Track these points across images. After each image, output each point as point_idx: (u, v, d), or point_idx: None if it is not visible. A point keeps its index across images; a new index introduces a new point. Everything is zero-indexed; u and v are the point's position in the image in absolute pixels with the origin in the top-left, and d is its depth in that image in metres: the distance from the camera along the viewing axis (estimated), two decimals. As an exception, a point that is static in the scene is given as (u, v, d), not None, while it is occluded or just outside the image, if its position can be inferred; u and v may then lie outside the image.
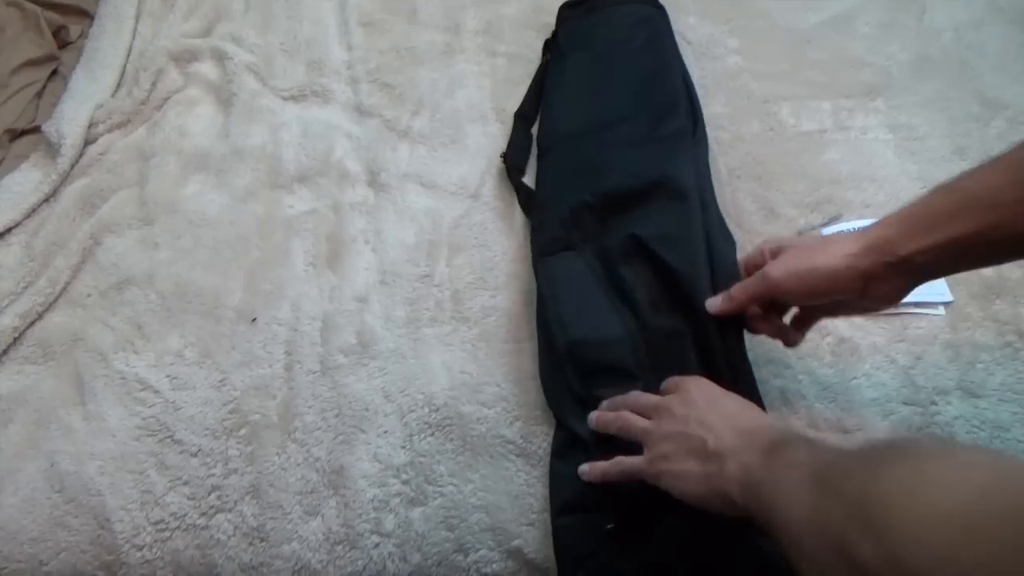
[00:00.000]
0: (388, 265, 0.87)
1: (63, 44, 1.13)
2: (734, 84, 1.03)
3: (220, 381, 0.78)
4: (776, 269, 0.60)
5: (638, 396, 0.64)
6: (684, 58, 1.06)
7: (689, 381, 0.62)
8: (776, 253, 0.64)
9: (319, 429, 0.76)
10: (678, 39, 1.08)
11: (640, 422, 0.61)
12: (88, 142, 0.98)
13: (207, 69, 1.06)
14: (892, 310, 0.79)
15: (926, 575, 0.28)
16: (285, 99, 1.04)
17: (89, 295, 0.85)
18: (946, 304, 0.81)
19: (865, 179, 0.92)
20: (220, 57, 1.06)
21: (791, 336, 0.68)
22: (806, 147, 0.96)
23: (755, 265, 0.66)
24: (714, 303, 0.67)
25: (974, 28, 1.09)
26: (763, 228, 0.88)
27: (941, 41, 1.07)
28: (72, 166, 0.95)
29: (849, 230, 0.84)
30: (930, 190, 0.56)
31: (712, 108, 1.00)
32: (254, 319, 0.83)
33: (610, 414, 0.65)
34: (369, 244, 0.89)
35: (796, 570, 0.39)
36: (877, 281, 0.57)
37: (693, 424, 0.55)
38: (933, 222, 0.53)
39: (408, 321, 0.83)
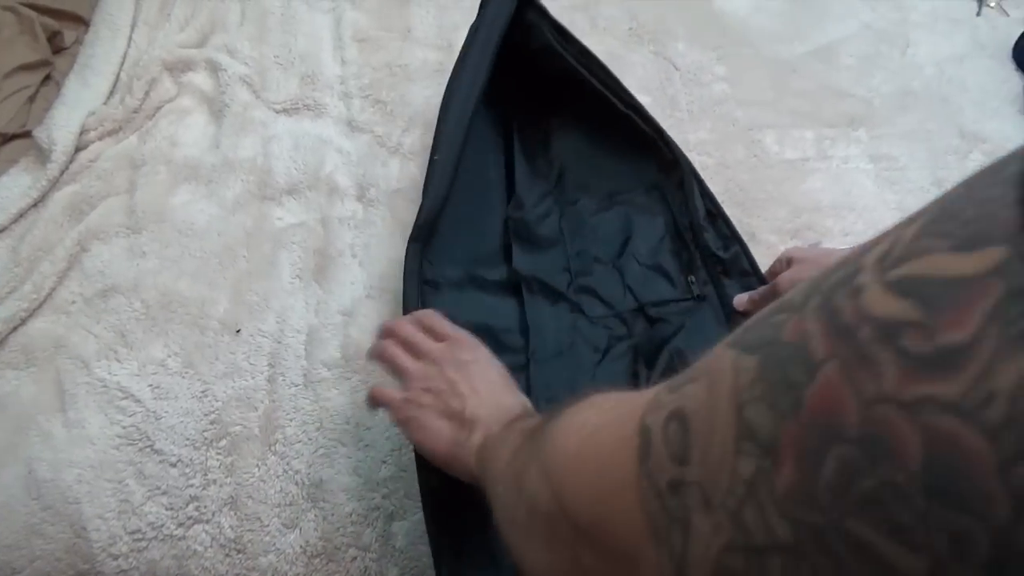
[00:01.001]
0: (375, 280, 0.88)
1: (58, 49, 1.13)
2: (720, 111, 1.05)
3: (202, 391, 0.79)
4: (785, 280, 0.67)
5: (414, 328, 0.61)
6: (671, 84, 1.08)
7: (464, 342, 0.59)
8: (791, 263, 0.71)
9: (300, 442, 0.76)
10: (667, 64, 1.11)
11: (406, 361, 0.59)
12: (79, 148, 0.98)
13: (200, 79, 1.07)
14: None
15: (558, 489, 0.32)
16: (277, 112, 1.05)
17: (74, 302, 0.85)
18: None
19: (845, 208, 0.94)
20: (214, 68, 1.07)
21: None
22: (789, 175, 0.97)
23: (774, 272, 0.74)
24: (740, 301, 0.75)
25: (956, 63, 1.12)
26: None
27: (923, 75, 1.10)
28: (62, 172, 0.95)
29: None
30: None
31: (698, 134, 1.02)
32: (238, 330, 0.83)
33: (380, 343, 0.61)
34: (357, 258, 0.90)
35: (497, 526, 0.41)
36: None
37: (459, 386, 0.55)
38: None
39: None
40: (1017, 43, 1.12)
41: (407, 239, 0.90)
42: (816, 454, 0.18)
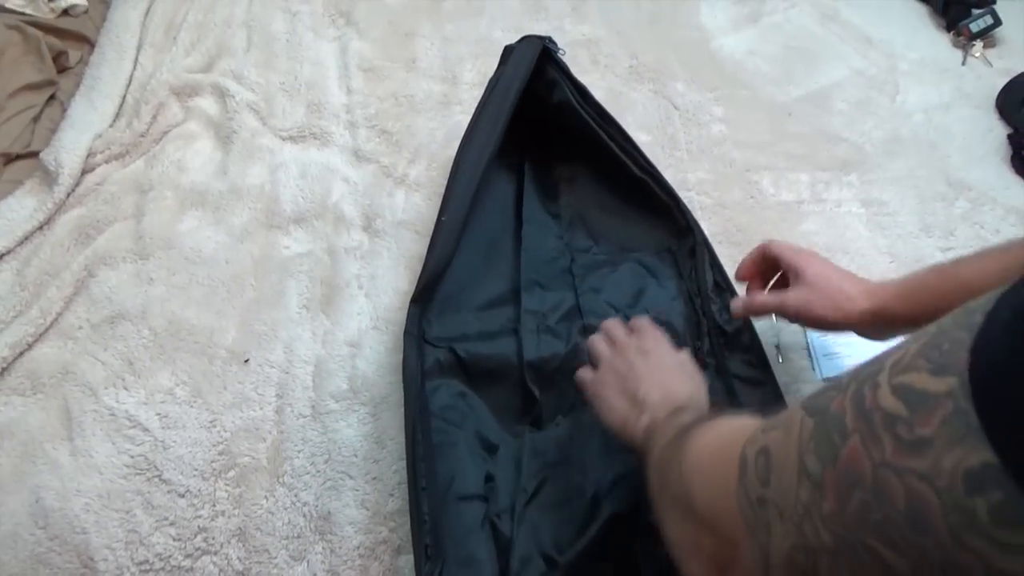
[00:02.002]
0: (381, 311, 0.89)
1: (62, 69, 1.13)
2: (718, 151, 1.08)
3: (211, 421, 0.79)
4: (793, 301, 0.70)
5: (615, 322, 0.73)
6: (671, 123, 1.11)
7: (649, 333, 0.70)
8: (780, 265, 0.73)
9: (308, 474, 0.77)
10: (666, 103, 1.14)
11: (601, 348, 0.70)
12: (85, 171, 0.98)
13: (207, 104, 1.08)
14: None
15: (689, 488, 0.42)
16: (284, 139, 1.06)
17: (81, 328, 0.85)
18: None
19: (839, 251, 0.97)
20: (221, 94, 1.08)
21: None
22: (784, 216, 1.00)
23: (753, 261, 0.76)
24: (737, 306, 0.76)
25: (943, 111, 1.16)
26: (743, 293, 0.92)
27: (912, 122, 1.14)
28: (68, 195, 0.95)
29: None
30: (928, 268, 0.64)
31: (696, 174, 1.05)
32: (247, 360, 0.84)
33: (595, 336, 0.73)
34: (363, 289, 0.91)
35: (651, 494, 0.51)
36: (872, 332, 0.68)
37: (636, 371, 0.65)
38: (929, 299, 0.62)
39: (400, 368, 0.84)
40: (1001, 93, 1.16)
41: (411, 271, 0.93)
42: (846, 494, 0.27)
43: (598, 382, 0.67)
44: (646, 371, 0.65)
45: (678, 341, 0.79)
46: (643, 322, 0.71)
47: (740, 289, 0.83)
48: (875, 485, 0.26)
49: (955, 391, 0.24)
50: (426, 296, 0.80)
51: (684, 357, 0.68)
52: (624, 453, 0.73)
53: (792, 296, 0.70)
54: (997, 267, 0.58)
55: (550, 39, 0.91)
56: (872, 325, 0.67)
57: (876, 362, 0.29)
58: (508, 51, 0.92)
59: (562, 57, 0.93)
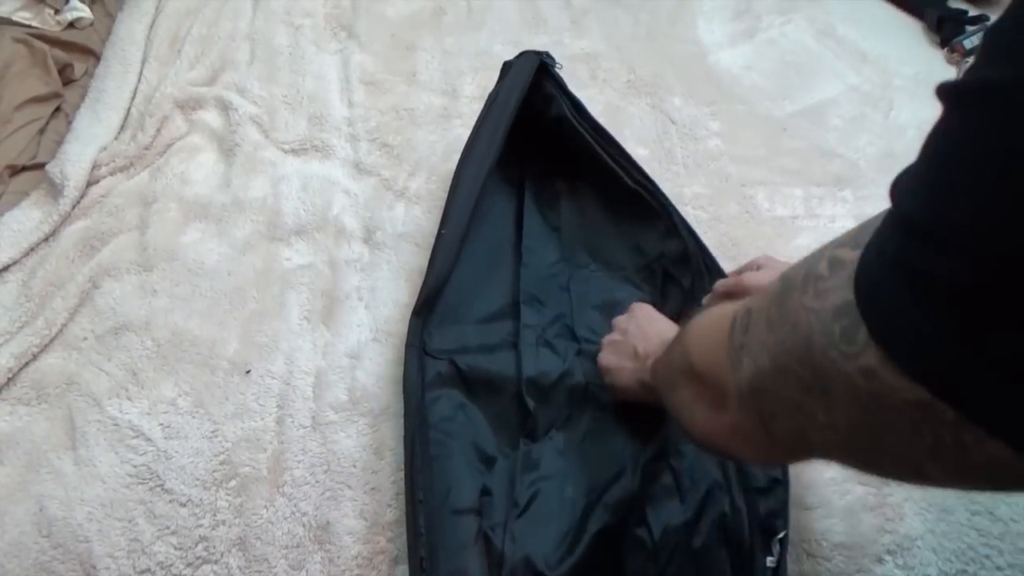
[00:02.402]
0: (381, 323, 0.90)
1: (67, 81, 1.15)
2: (714, 166, 1.10)
3: (212, 432, 0.80)
4: (751, 278, 0.74)
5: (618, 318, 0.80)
6: (668, 137, 1.12)
7: (638, 307, 0.79)
8: (761, 267, 0.78)
9: (307, 484, 0.78)
10: (663, 118, 1.15)
11: (610, 335, 0.79)
12: (90, 183, 1.00)
13: (211, 118, 1.09)
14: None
15: (688, 350, 0.49)
16: (286, 152, 1.08)
17: (85, 338, 0.86)
18: None
19: (832, 266, 0.98)
20: (224, 107, 1.10)
21: None
22: (779, 232, 1.02)
23: (732, 273, 0.80)
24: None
25: (935, 127, 1.17)
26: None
27: (905, 137, 1.15)
28: (73, 207, 0.97)
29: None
30: None
31: (693, 188, 1.06)
32: (248, 371, 0.85)
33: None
34: (363, 301, 0.93)
35: (663, 398, 0.57)
36: None
37: (630, 335, 0.74)
38: None
39: (399, 380, 0.85)
40: (993, 110, 1.18)
41: (411, 283, 0.94)
42: (780, 329, 0.36)
43: (604, 359, 0.76)
44: (639, 331, 0.74)
45: None
46: (634, 304, 0.80)
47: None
48: (794, 320, 0.34)
49: (856, 259, 0.31)
50: (427, 308, 0.81)
51: (669, 322, 0.76)
52: (616, 464, 0.75)
53: (750, 275, 0.75)
54: None
55: (547, 54, 0.93)
56: None
57: (830, 241, 0.36)
58: (507, 67, 0.94)
59: (560, 71, 0.94)
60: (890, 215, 0.30)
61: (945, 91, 0.29)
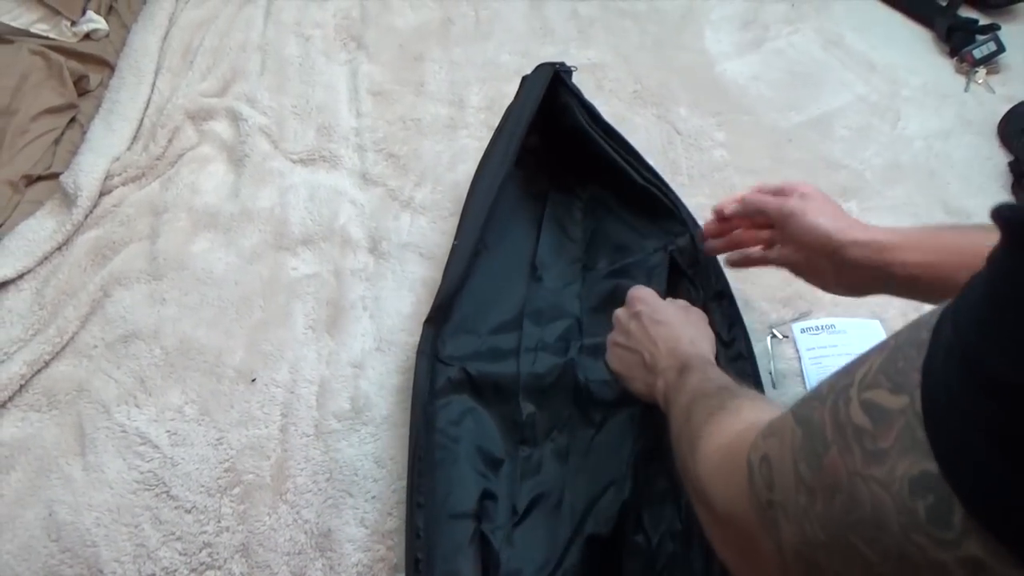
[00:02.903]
0: (384, 333, 0.92)
1: (83, 92, 1.17)
2: (719, 176, 1.10)
3: (217, 439, 0.82)
4: (797, 203, 0.67)
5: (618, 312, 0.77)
6: (673, 148, 1.13)
7: (636, 297, 0.74)
8: (805, 196, 0.69)
9: (310, 491, 0.79)
10: (669, 128, 1.16)
11: (611, 335, 0.76)
12: (103, 193, 1.02)
13: (221, 128, 1.11)
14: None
15: (704, 486, 0.46)
16: (294, 162, 1.09)
17: (96, 346, 0.88)
18: None
19: (835, 278, 0.98)
20: (235, 117, 1.12)
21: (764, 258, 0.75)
22: (782, 243, 1.02)
23: (771, 190, 0.72)
24: (727, 201, 0.76)
25: (943, 138, 1.17)
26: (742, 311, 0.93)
27: (912, 149, 1.15)
28: (86, 217, 0.99)
29: (817, 327, 0.90)
30: (935, 226, 0.63)
31: (697, 199, 1.06)
32: (253, 379, 0.87)
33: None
34: (367, 311, 0.94)
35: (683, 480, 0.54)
36: (854, 270, 0.64)
37: (636, 339, 0.71)
38: (929, 247, 0.59)
39: (401, 389, 0.87)
40: (1002, 121, 1.17)
41: (415, 293, 0.95)
42: (830, 497, 0.31)
43: (613, 364, 0.74)
44: (643, 334, 0.70)
45: None
46: (631, 291, 0.75)
47: (741, 304, 0.85)
48: (849, 490, 0.29)
49: (907, 408, 0.27)
50: (440, 317, 0.83)
51: (674, 304, 0.74)
52: (614, 466, 0.76)
53: (794, 199, 0.68)
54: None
55: (562, 64, 0.94)
56: (857, 259, 0.62)
57: (848, 374, 0.32)
58: (524, 81, 0.96)
59: (575, 74, 0.96)
60: (953, 356, 0.26)
61: (1010, 223, 0.25)
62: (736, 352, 0.80)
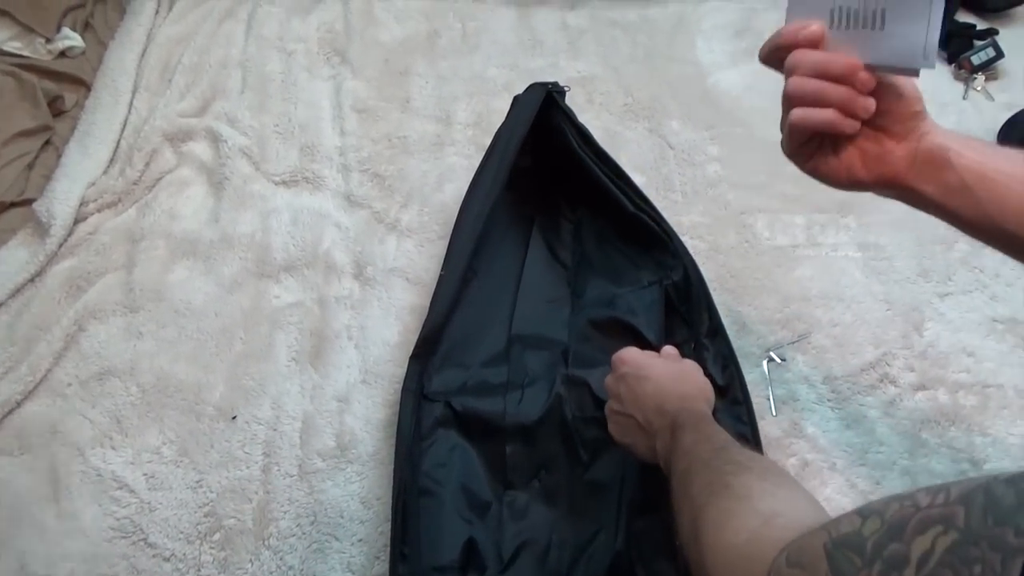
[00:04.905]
0: (370, 364, 0.89)
1: (58, 113, 1.14)
2: (713, 193, 1.07)
3: (197, 482, 0.79)
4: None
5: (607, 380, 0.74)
6: (666, 163, 1.10)
7: (619, 360, 0.71)
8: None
9: (294, 536, 0.76)
10: (661, 142, 1.13)
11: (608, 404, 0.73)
12: (78, 220, 0.98)
13: (201, 150, 1.08)
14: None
15: None
16: (277, 184, 1.06)
17: (70, 384, 0.85)
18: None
19: (834, 298, 0.96)
20: (214, 138, 1.08)
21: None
22: (779, 262, 0.99)
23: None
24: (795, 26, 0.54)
25: (942, 148, 1.14)
26: (736, 343, 0.90)
27: (910, 160, 1.12)
28: (60, 246, 0.95)
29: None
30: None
31: (691, 216, 1.04)
32: (234, 417, 0.84)
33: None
34: (352, 340, 0.91)
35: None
36: (910, 140, 0.55)
37: (626, 403, 0.68)
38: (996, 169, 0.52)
39: (388, 424, 0.84)
40: (1002, 129, 1.15)
41: (402, 321, 0.92)
42: None
43: (614, 433, 0.70)
44: (631, 396, 0.68)
45: None
46: (615, 356, 0.72)
47: (734, 335, 0.82)
48: None
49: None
50: (426, 351, 0.80)
51: (662, 358, 0.71)
52: (602, 512, 0.74)
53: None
54: None
55: (555, 84, 0.91)
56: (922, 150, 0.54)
57: (899, 533, 0.29)
58: (515, 101, 0.92)
59: (568, 93, 0.92)
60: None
61: None
62: (733, 397, 0.77)
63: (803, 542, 0.36)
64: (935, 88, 1.24)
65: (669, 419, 0.63)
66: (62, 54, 1.21)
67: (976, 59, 1.24)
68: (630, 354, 0.72)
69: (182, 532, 0.76)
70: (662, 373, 0.69)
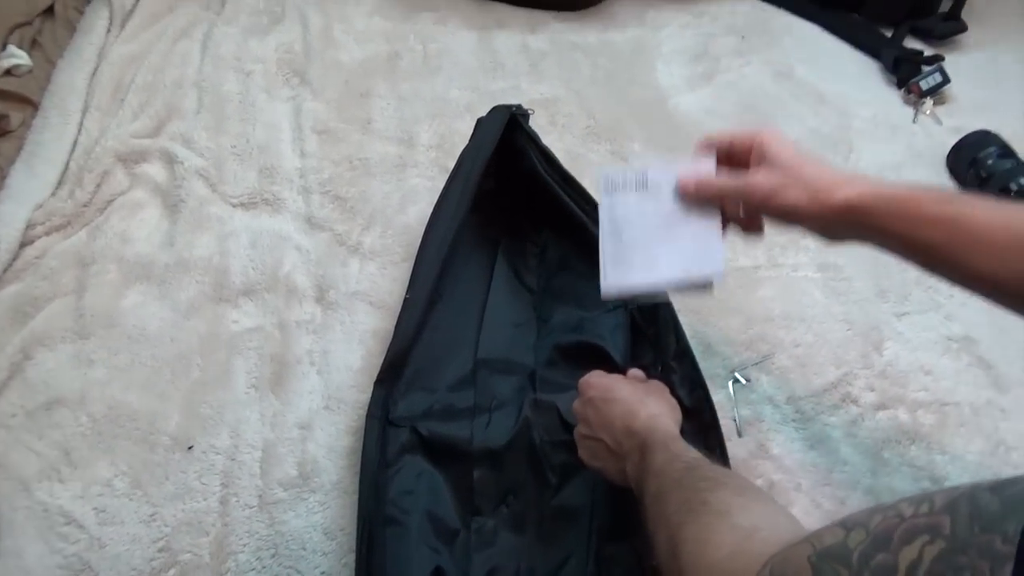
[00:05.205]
0: (333, 390, 0.87)
1: (2, 133, 1.09)
2: (676, 214, 1.08)
3: (151, 515, 0.76)
4: (761, 185, 0.60)
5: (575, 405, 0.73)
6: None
7: (585, 386, 0.71)
8: (761, 158, 0.62)
9: (253, 570, 0.74)
10: (620, 162, 1.13)
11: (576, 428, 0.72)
12: (24, 244, 0.95)
13: (155, 171, 1.05)
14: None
15: None
16: (234, 206, 1.03)
17: (15, 415, 0.81)
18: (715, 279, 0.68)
19: (795, 319, 0.97)
20: (169, 159, 1.05)
21: (754, 226, 0.68)
22: (741, 283, 1.00)
23: (742, 144, 0.65)
24: (688, 184, 0.65)
25: (895, 170, 1.18)
26: (701, 364, 0.91)
27: (865, 182, 1.15)
28: (4, 271, 0.91)
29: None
30: (924, 187, 0.57)
31: (655, 238, 1.04)
32: (190, 447, 0.81)
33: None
34: (315, 366, 0.89)
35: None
36: (838, 232, 0.60)
37: (594, 426, 0.68)
38: (918, 220, 0.54)
39: (352, 451, 0.82)
40: (950, 153, 1.18)
41: (365, 346, 0.90)
42: None
43: (584, 458, 0.70)
44: (598, 418, 0.68)
45: None
46: (581, 381, 0.72)
47: (700, 356, 0.82)
48: None
49: None
50: (391, 376, 0.78)
51: (628, 380, 0.71)
52: (572, 537, 0.72)
53: (760, 178, 0.59)
54: (1005, 219, 0.50)
55: (519, 107, 0.90)
56: (844, 224, 0.57)
57: (886, 542, 0.28)
58: (479, 124, 0.91)
59: (532, 116, 0.92)
60: None
61: None
62: (701, 420, 0.77)
63: (787, 555, 0.36)
64: (887, 112, 1.28)
65: (638, 440, 0.63)
66: (8, 72, 1.16)
67: (924, 84, 1.28)
68: (596, 378, 0.72)
69: (134, 568, 0.72)
70: (629, 395, 0.68)
